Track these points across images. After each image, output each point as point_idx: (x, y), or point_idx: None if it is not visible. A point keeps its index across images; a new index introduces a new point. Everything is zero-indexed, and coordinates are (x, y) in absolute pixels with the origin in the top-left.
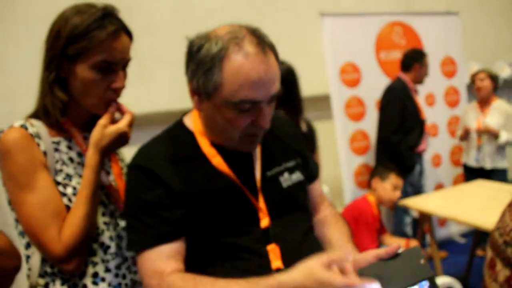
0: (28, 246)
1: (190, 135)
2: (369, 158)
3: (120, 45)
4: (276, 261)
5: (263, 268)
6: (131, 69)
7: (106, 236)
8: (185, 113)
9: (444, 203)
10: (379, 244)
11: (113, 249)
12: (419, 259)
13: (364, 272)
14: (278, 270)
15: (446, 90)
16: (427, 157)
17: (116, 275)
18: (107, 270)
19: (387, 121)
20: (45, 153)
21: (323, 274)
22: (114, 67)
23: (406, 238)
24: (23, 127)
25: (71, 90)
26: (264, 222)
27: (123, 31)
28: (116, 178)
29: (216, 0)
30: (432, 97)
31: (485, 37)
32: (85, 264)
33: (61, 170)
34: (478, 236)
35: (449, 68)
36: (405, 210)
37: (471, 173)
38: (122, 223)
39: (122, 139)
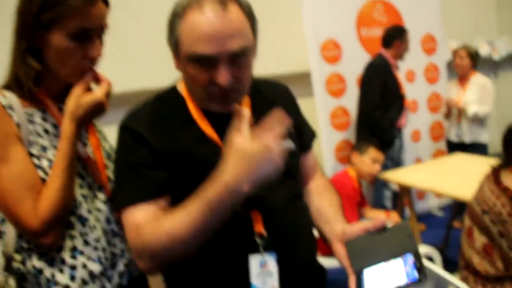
0: (2, 222)
1: (181, 99)
2: (350, 134)
3: (97, 11)
4: (258, 226)
5: (245, 233)
6: (111, 46)
7: (84, 209)
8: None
9: (424, 175)
10: (360, 217)
11: (91, 222)
12: (407, 235)
13: (351, 244)
14: (260, 235)
15: (426, 67)
16: (406, 132)
17: (95, 248)
18: (86, 243)
19: (368, 98)
20: (18, 125)
21: (237, 143)
22: (91, 34)
23: (385, 211)
24: None
25: (45, 60)
26: None
27: None
28: (94, 150)
29: None
30: (412, 73)
31: (464, 14)
32: (63, 238)
33: (35, 142)
34: (455, 209)
35: (429, 45)
36: (385, 184)
37: (453, 148)
38: (101, 196)
39: (98, 108)
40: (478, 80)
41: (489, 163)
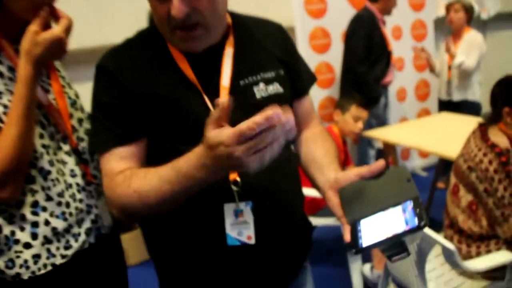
0: None
1: (161, 38)
2: (334, 91)
3: None
4: (232, 173)
5: (223, 178)
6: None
7: (46, 161)
8: None
9: (409, 134)
10: None
11: (54, 174)
12: (405, 179)
13: (344, 192)
14: (235, 182)
15: (413, 24)
16: (392, 91)
17: (59, 204)
18: (48, 198)
19: (352, 51)
20: None
21: (210, 136)
22: None
23: None
24: None
25: None
26: None
27: None
28: (57, 97)
29: None
30: (399, 30)
31: None
32: (23, 193)
33: None
34: (439, 170)
35: (417, 1)
36: (369, 143)
37: (443, 107)
38: (65, 147)
39: (57, 47)
40: (471, 37)
41: (476, 122)
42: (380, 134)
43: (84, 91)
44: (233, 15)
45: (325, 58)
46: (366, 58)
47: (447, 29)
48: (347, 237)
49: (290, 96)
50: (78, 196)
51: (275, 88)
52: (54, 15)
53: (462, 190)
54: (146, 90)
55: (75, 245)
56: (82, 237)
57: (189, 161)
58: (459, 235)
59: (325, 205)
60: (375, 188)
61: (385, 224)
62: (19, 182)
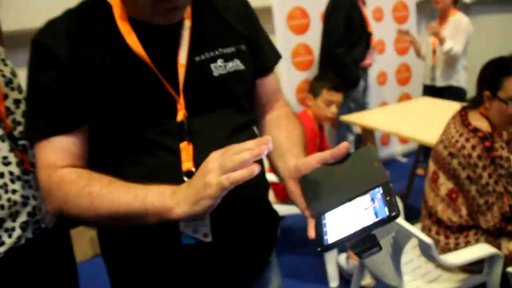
0: None
1: (106, 6)
2: (312, 74)
3: None
4: (187, 162)
5: (174, 168)
6: None
7: None
8: None
9: (388, 119)
10: None
11: None
12: (373, 161)
13: (306, 181)
14: (188, 172)
15: (394, 5)
16: (372, 74)
17: None
18: None
19: (331, 31)
20: None
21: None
22: None
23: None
24: None
25: None
26: (180, 115)
27: None
28: None
29: None
30: (380, 11)
31: None
32: None
33: None
34: (419, 155)
35: None
36: (348, 128)
37: (427, 92)
38: None
39: None
40: (457, 19)
41: (458, 107)
42: (358, 119)
43: (24, 76)
44: None
45: (303, 39)
46: (345, 39)
47: (430, 12)
48: (311, 233)
49: (252, 74)
50: (11, 186)
51: (235, 64)
52: None
53: (442, 178)
54: (88, 68)
55: (9, 241)
56: (17, 232)
57: (157, 197)
58: (437, 225)
59: None
60: (340, 174)
61: (353, 216)
62: None
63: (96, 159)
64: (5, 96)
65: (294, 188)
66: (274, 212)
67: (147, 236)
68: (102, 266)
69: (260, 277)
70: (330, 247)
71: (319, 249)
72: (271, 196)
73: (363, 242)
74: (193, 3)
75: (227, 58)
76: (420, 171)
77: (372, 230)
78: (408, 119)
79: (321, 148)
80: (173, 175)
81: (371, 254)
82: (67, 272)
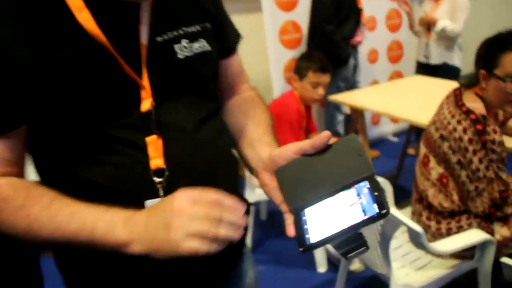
0: None
1: None
2: (301, 52)
3: None
4: (156, 159)
5: (141, 166)
6: None
7: None
8: None
9: (378, 98)
10: None
11: None
12: (356, 152)
13: (283, 173)
14: (158, 171)
15: None
16: (362, 52)
17: None
18: None
19: (320, 8)
20: None
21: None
22: None
23: (337, 137)
24: None
25: None
26: (146, 104)
27: None
28: None
29: None
30: None
31: None
32: None
33: None
34: (410, 135)
35: None
36: (337, 107)
37: (420, 69)
38: None
39: None
40: None
41: (452, 86)
42: (348, 98)
43: None
44: None
45: (291, 17)
46: (334, 16)
47: None
48: (291, 230)
49: (217, 55)
50: None
51: (202, 45)
52: None
53: (433, 162)
54: (30, 53)
55: None
56: None
57: (106, 226)
58: (428, 210)
59: None
60: (321, 166)
61: (338, 213)
62: None
63: (51, 161)
64: None
65: (268, 180)
66: (245, 201)
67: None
68: None
69: (235, 270)
70: (313, 246)
71: (300, 249)
72: (255, 180)
73: (349, 241)
74: None
75: (192, 38)
76: (411, 151)
77: (360, 229)
78: (399, 98)
79: (308, 130)
80: (140, 175)
81: (357, 255)
82: (29, 267)
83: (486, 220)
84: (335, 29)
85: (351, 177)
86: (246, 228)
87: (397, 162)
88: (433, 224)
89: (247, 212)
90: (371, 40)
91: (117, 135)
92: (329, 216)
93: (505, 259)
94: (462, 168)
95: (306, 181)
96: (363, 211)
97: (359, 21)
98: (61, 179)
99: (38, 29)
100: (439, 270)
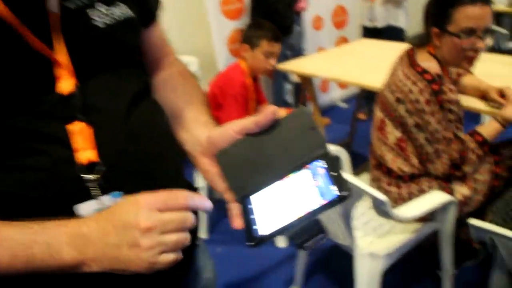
0: None
1: None
2: (244, 23)
3: None
4: (85, 151)
5: (66, 163)
6: None
7: None
8: None
9: (327, 64)
10: None
11: None
12: (308, 127)
13: (224, 156)
14: (91, 165)
15: None
16: (307, 19)
17: None
18: None
19: None
20: None
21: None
22: None
23: (287, 108)
24: None
25: None
26: (66, 85)
27: None
28: None
29: None
30: None
31: None
32: None
33: None
34: (360, 100)
35: None
36: (285, 77)
37: (367, 33)
38: None
39: None
40: None
41: (400, 47)
42: (296, 66)
43: None
44: None
45: None
46: None
47: None
48: (237, 222)
49: (139, 24)
50: None
51: (124, 11)
52: None
53: (390, 126)
54: None
55: None
56: None
57: (46, 250)
58: (388, 176)
59: None
60: (268, 147)
61: (290, 199)
62: None
63: None
64: None
65: (208, 166)
66: (194, 188)
67: None
68: None
69: (193, 268)
70: (263, 239)
71: (248, 243)
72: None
73: (305, 230)
74: None
75: (109, 2)
76: (361, 116)
77: (318, 215)
78: (347, 63)
79: (259, 102)
80: (66, 175)
81: (315, 243)
82: None
83: (446, 181)
84: None
85: (303, 156)
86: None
87: (348, 128)
88: (394, 189)
89: None
90: (315, 7)
91: (32, 128)
92: (281, 203)
93: (472, 220)
94: (420, 131)
95: (252, 165)
96: (321, 194)
97: None
98: None
99: None
100: (403, 235)
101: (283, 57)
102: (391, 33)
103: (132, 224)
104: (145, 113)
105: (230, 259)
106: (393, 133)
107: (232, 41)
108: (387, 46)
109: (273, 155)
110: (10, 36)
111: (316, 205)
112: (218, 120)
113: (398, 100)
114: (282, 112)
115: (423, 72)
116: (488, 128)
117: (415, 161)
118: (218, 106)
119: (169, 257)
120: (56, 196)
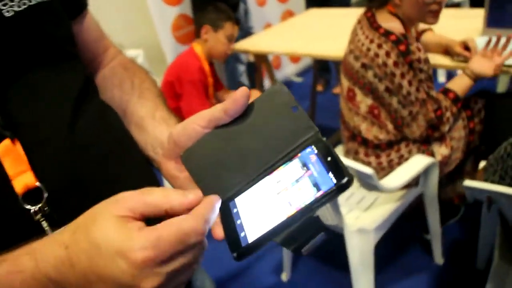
0: None
1: None
2: (186, 7)
3: None
4: (21, 176)
5: (6, 197)
6: None
7: None
8: None
9: (279, 39)
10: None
11: None
12: (288, 106)
13: (192, 155)
14: (31, 192)
15: None
16: None
17: None
18: None
19: None
20: None
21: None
22: None
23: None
24: None
25: None
26: None
27: None
28: None
29: None
30: None
31: None
32: None
33: None
34: (316, 71)
35: None
36: (237, 58)
37: (311, 4)
38: None
39: None
40: None
41: (348, 13)
42: (247, 45)
43: None
44: None
45: None
46: None
47: None
48: (218, 232)
49: (61, 9)
50: None
51: None
52: None
53: (359, 94)
54: None
55: None
56: None
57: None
58: (364, 146)
59: None
60: (245, 137)
61: (280, 195)
62: None
63: None
64: None
65: (175, 171)
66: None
67: None
68: None
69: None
70: (252, 248)
71: (235, 254)
72: None
73: (302, 230)
74: None
75: None
76: (318, 87)
77: (315, 211)
78: (300, 36)
79: (216, 88)
80: (9, 211)
81: (315, 245)
82: None
83: (424, 143)
84: None
85: (288, 144)
86: None
87: (307, 103)
88: (372, 159)
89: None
90: None
91: None
92: (269, 203)
93: (467, 182)
94: (392, 95)
95: (228, 162)
96: (315, 185)
97: None
98: None
99: None
100: (388, 205)
101: None
102: (335, 0)
103: (123, 260)
104: (94, 116)
105: (216, 250)
106: (364, 101)
107: (176, 28)
108: (335, 13)
109: (253, 148)
110: None
111: (309, 199)
112: (179, 111)
113: (365, 66)
114: (254, 94)
115: (386, 33)
116: (459, 83)
117: (390, 127)
118: (176, 96)
119: (174, 282)
120: (3, 236)
